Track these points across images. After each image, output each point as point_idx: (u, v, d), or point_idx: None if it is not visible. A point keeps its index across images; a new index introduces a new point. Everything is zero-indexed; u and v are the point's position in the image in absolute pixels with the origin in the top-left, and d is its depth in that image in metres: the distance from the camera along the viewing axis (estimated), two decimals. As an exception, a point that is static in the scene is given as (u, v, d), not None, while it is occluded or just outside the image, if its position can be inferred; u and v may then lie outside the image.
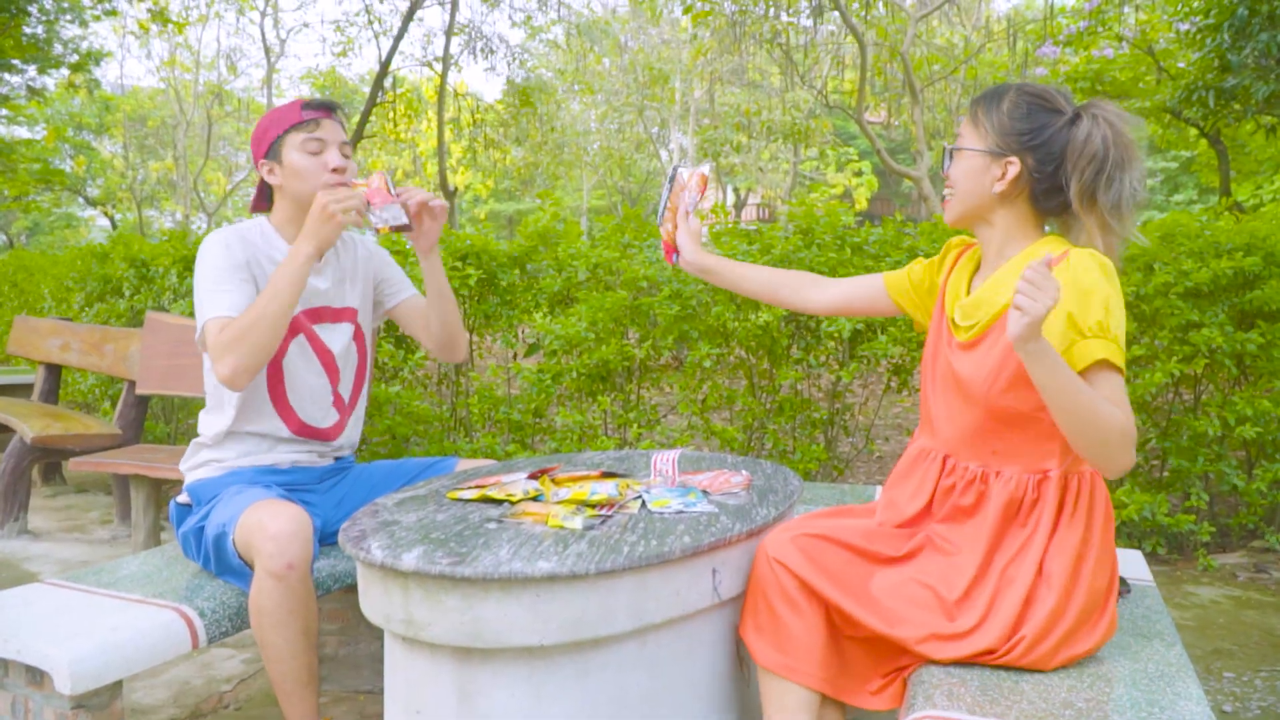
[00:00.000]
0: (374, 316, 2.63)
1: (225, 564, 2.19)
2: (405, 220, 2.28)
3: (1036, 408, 1.70)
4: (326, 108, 2.35)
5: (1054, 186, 1.77)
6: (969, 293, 1.90)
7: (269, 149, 2.33)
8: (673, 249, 2.33)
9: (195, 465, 2.41)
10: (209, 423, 2.41)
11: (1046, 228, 1.86)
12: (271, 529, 2.03)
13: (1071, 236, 1.82)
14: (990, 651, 1.66)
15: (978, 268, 1.93)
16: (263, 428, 2.39)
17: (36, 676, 1.93)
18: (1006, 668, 1.68)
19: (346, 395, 2.54)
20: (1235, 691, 2.78)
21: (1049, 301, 1.47)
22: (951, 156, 1.85)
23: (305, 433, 2.45)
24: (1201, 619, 3.30)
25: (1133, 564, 2.37)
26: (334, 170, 2.32)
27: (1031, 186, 1.79)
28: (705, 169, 2.34)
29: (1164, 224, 3.98)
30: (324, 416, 2.47)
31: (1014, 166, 1.77)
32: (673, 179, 2.33)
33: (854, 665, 1.78)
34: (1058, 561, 1.71)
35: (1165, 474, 3.99)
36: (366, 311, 2.57)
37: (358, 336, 2.54)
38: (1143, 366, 3.83)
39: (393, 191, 2.27)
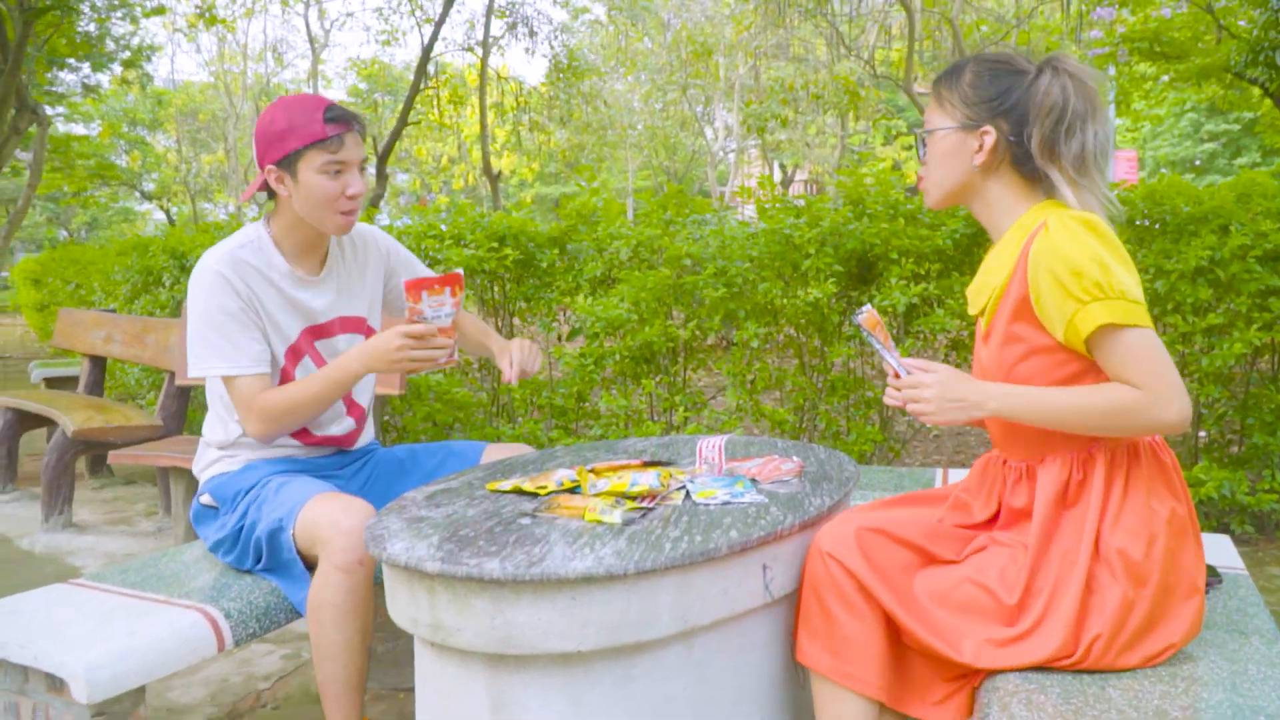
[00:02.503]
0: (389, 309, 2.51)
1: (278, 560, 2.09)
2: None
3: (1055, 382, 1.61)
4: (348, 120, 2.13)
5: (1030, 148, 1.67)
6: None
7: (283, 158, 2.11)
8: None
9: (208, 464, 2.33)
10: (215, 430, 2.32)
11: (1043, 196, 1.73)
12: (345, 524, 1.95)
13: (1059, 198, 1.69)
14: (1061, 657, 1.51)
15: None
16: (278, 441, 2.31)
17: (56, 683, 1.85)
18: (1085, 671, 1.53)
19: (364, 401, 2.46)
20: (1330, 683, 2.58)
21: (931, 400, 1.62)
22: (924, 141, 1.75)
23: (320, 443, 2.37)
24: (1288, 604, 3.10)
25: (1221, 550, 2.19)
26: (350, 197, 2.15)
27: (1012, 152, 1.68)
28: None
29: (1238, 183, 3.75)
30: (339, 427, 2.39)
31: (989, 135, 1.67)
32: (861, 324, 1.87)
33: (915, 671, 1.63)
34: (1119, 538, 1.56)
35: (1243, 449, 3.77)
36: (376, 312, 2.44)
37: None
38: (1220, 336, 3.61)
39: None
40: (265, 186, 2.20)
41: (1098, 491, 1.60)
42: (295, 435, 2.32)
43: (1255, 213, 3.62)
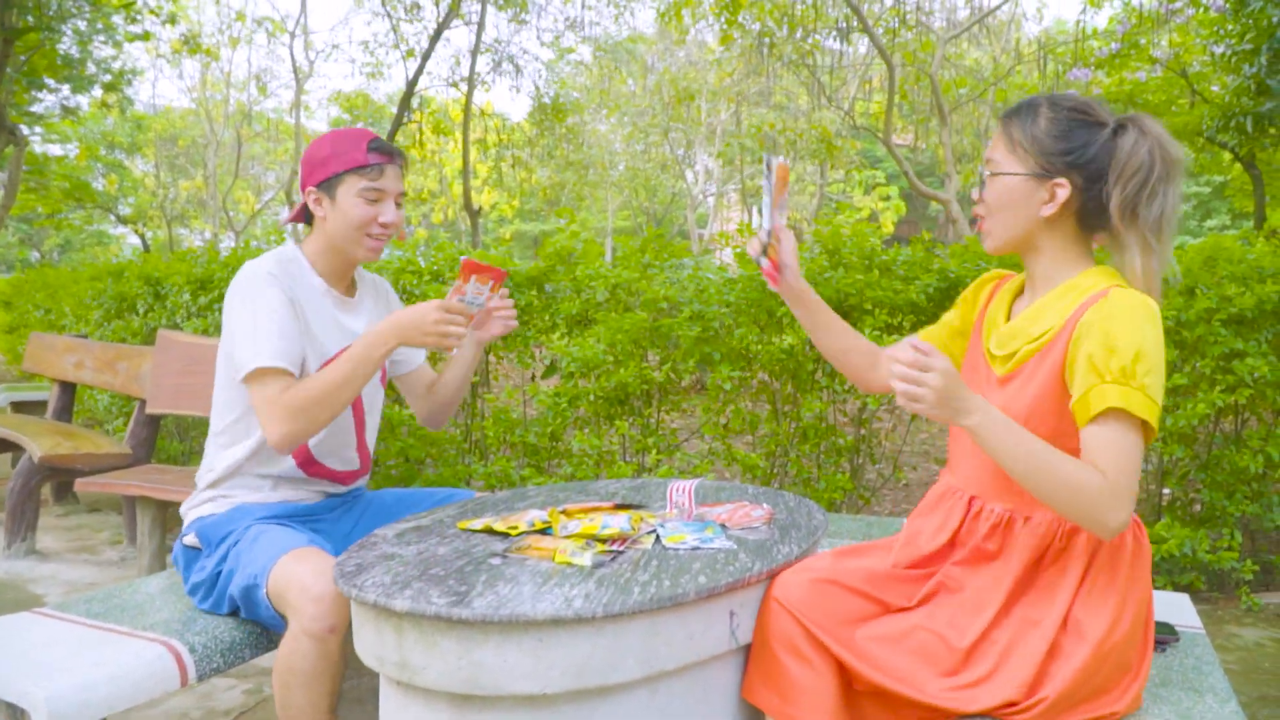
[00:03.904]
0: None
1: (254, 614, 2.07)
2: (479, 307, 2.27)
3: (1073, 450, 1.57)
4: (390, 154, 2.23)
5: (1100, 204, 1.65)
6: (1008, 319, 1.77)
7: (324, 180, 2.21)
8: (777, 268, 1.91)
9: (197, 504, 2.31)
10: (220, 456, 2.29)
11: (1094, 247, 1.73)
12: (315, 589, 1.92)
13: (1117, 259, 1.68)
14: (1010, 704, 1.53)
15: (1019, 293, 1.81)
16: (276, 469, 2.29)
17: (16, 714, 1.83)
18: None
19: (370, 441, 2.47)
20: (1286, 743, 2.62)
21: (932, 387, 1.47)
22: (985, 181, 1.71)
23: (322, 475, 2.36)
24: (1246, 663, 3.14)
25: (1180, 608, 2.22)
26: (382, 225, 2.23)
27: (1080, 206, 1.66)
28: (784, 160, 1.93)
29: (1205, 247, 3.84)
30: (345, 464, 2.39)
31: (1063, 189, 1.64)
32: (770, 169, 1.83)
33: (869, 717, 1.65)
34: (1089, 614, 1.58)
35: (1204, 508, 3.82)
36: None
37: (383, 379, 2.48)
38: (1184, 396, 3.67)
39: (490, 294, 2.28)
40: (304, 213, 2.29)
41: (1079, 563, 1.61)
42: (301, 465, 2.31)
43: (1221, 276, 3.70)
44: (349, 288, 2.38)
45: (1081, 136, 1.64)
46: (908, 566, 1.76)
